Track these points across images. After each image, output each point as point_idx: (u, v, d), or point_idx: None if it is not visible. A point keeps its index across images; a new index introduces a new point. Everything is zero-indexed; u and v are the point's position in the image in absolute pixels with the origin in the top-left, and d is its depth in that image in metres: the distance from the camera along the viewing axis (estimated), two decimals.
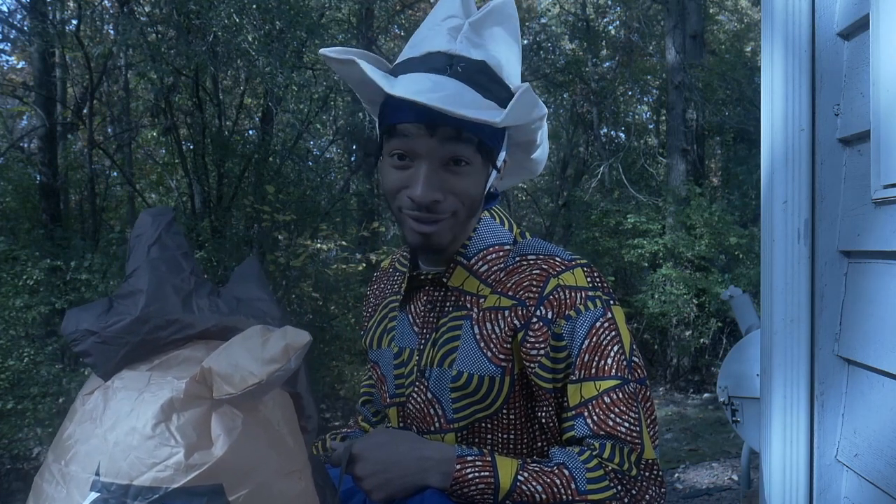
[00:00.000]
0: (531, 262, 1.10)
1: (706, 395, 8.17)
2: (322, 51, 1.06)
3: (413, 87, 0.99)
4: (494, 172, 1.10)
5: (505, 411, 1.08)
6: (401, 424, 1.17)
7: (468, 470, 1.01)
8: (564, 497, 0.99)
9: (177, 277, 0.81)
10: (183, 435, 0.72)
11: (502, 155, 1.11)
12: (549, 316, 1.04)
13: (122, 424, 0.73)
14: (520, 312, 1.06)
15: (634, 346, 1.09)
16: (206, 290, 0.83)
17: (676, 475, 4.75)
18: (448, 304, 1.12)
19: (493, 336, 1.07)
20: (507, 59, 1.09)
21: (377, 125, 1.10)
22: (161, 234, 0.82)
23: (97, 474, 0.72)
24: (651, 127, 12.88)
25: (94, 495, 0.71)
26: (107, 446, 0.72)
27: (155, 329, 0.78)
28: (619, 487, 1.00)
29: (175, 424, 0.73)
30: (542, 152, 1.22)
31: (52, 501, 0.73)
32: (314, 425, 0.90)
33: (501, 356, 1.06)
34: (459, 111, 0.95)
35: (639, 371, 1.08)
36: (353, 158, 10.55)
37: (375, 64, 1.09)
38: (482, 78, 1.04)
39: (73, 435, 0.76)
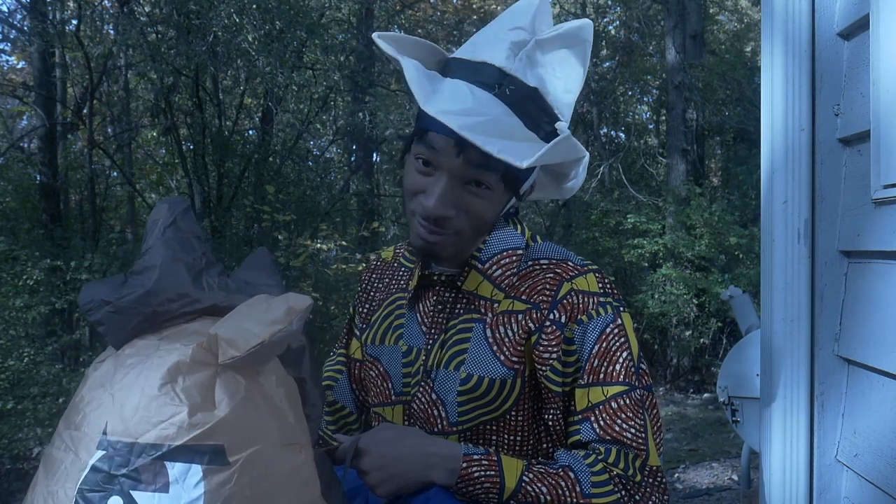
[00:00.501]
0: (544, 266, 1.10)
1: (706, 395, 8.17)
2: (374, 36, 1.05)
3: (451, 105, 0.98)
4: (515, 199, 1.10)
5: (514, 413, 1.08)
6: (406, 423, 1.16)
7: (474, 468, 1.01)
8: (569, 499, 0.99)
9: (189, 256, 0.85)
10: (187, 396, 0.75)
11: (529, 183, 1.11)
12: (562, 319, 1.05)
13: (131, 386, 0.76)
14: (534, 315, 1.06)
15: (641, 354, 1.09)
16: (216, 270, 0.88)
17: (676, 475, 4.75)
18: (459, 306, 1.12)
19: (507, 339, 1.07)
20: (566, 86, 1.07)
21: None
22: (176, 219, 0.86)
23: (104, 433, 0.74)
24: (651, 127, 12.87)
25: (100, 453, 0.73)
26: (114, 407, 0.75)
27: (166, 301, 0.82)
28: (623, 492, 1.00)
29: (180, 386, 0.75)
30: (574, 183, 1.20)
31: (60, 465, 0.76)
32: (318, 414, 0.92)
33: (514, 359, 1.06)
34: (486, 146, 0.93)
35: (645, 378, 1.08)
36: (353, 158, 10.55)
37: (428, 54, 1.08)
38: (530, 106, 1.03)
39: (83, 399, 0.79)
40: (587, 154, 1.08)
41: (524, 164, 0.93)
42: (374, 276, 1.30)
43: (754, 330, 3.00)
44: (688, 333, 8.61)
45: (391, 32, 1.07)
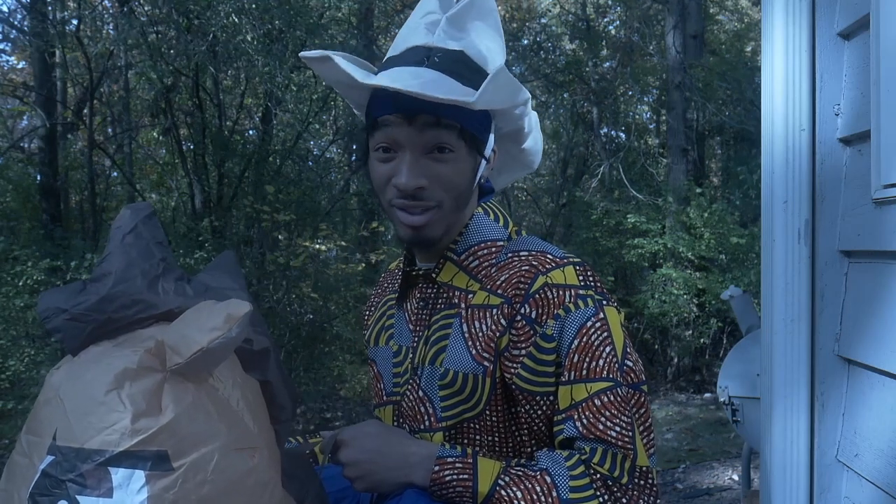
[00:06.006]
0: (522, 258, 1.07)
1: (707, 394, 8.16)
2: (302, 54, 1.08)
3: (388, 78, 1.01)
4: (484, 162, 1.10)
5: (488, 412, 1.07)
6: (395, 423, 1.16)
7: (446, 472, 1.00)
8: None
9: (146, 262, 0.86)
10: (132, 402, 0.76)
11: (490, 144, 1.10)
12: (533, 315, 1.02)
13: (80, 392, 0.77)
14: (506, 310, 1.04)
15: (630, 350, 1.05)
16: (174, 275, 0.88)
17: (676, 475, 4.75)
18: (440, 301, 1.12)
19: (481, 334, 1.05)
20: (489, 49, 1.09)
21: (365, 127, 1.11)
22: (137, 225, 0.87)
23: (54, 439, 0.75)
24: (651, 127, 12.87)
25: (49, 458, 0.75)
26: (64, 413, 0.77)
27: (121, 308, 0.83)
28: (607, 496, 0.97)
29: (126, 392, 0.76)
30: (533, 142, 1.20)
31: (18, 468, 0.78)
32: (288, 416, 0.92)
33: (485, 354, 1.05)
34: (432, 94, 0.95)
35: (632, 375, 1.04)
36: (353, 158, 10.54)
37: (357, 64, 1.09)
38: (460, 67, 1.04)
39: (39, 405, 0.80)
40: (529, 95, 1.10)
41: (472, 100, 0.95)
42: (379, 287, 1.32)
43: (754, 330, 3.00)
44: (688, 333, 8.61)
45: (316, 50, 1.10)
